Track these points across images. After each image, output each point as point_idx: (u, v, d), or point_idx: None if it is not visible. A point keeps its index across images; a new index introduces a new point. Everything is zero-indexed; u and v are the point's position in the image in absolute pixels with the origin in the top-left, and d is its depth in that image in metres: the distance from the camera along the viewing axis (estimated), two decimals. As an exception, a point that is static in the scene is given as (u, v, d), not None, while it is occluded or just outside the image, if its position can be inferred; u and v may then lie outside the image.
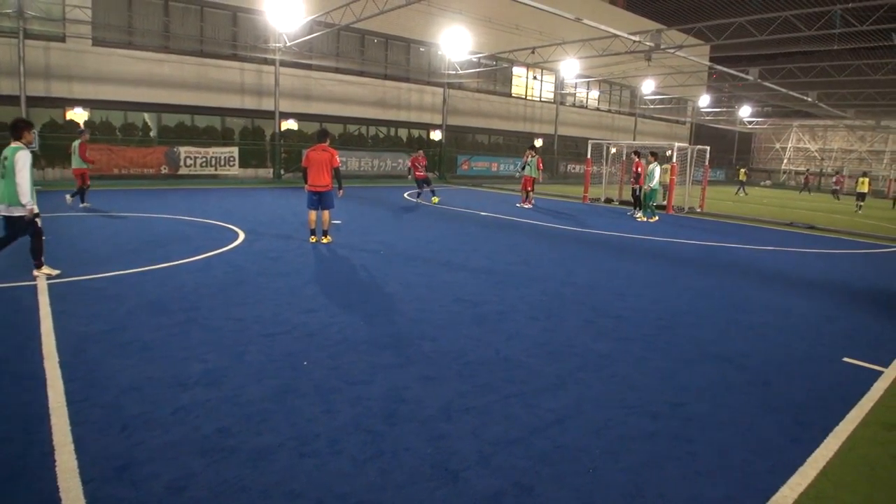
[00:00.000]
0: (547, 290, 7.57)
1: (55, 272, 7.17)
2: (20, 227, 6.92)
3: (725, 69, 29.76)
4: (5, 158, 6.84)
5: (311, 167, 9.94)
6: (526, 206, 18.11)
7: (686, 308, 7.10)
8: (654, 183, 16.28)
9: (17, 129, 7.09)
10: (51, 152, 19.92)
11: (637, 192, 17.60)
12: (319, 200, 10.05)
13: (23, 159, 6.82)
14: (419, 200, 18.03)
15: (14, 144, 6.95)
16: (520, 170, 19.13)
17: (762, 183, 50.99)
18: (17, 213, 6.84)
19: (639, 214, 16.98)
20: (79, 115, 21.55)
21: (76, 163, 13.45)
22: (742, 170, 36.71)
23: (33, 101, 19.84)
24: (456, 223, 14.09)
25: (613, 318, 6.43)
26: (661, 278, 8.81)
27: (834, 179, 35.91)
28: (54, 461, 3.15)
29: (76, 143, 13.49)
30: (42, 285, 6.64)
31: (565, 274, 8.70)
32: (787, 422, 4.11)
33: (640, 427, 3.89)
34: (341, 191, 10.28)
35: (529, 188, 18.53)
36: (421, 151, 17.69)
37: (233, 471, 3.13)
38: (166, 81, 22.99)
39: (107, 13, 21.53)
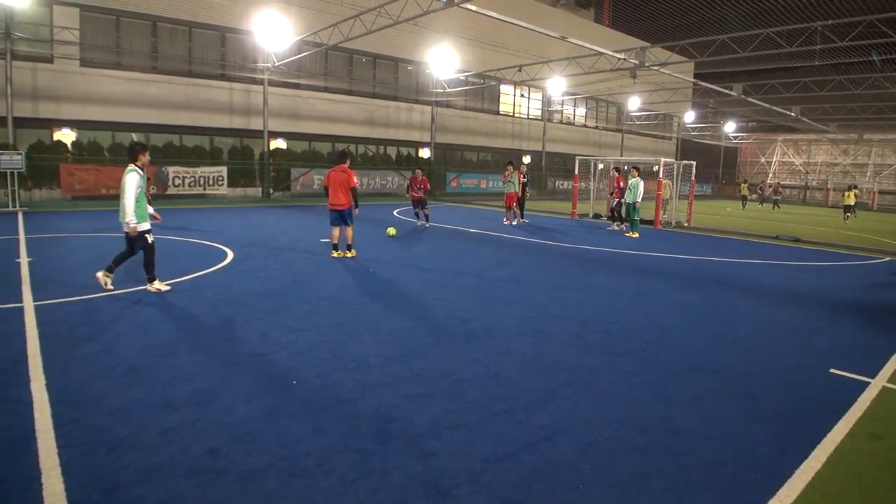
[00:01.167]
0: (535, 306, 7.60)
1: (165, 287, 7.65)
2: (131, 241, 7.48)
3: (709, 85, 30.21)
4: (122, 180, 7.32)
5: (331, 186, 10.57)
6: (514, 224, 18.00)
7: (673, 322, 7.15)
8: (639, 197, 16.46)
9: (134, 153, 7.51)
10: (38, 173, 19.84)
11: (616, 207, 17.88)
12: (341, 217, 10.65)
13: (130, 181, 7.21)
14: (421, 223, 16.88)
15: (129, 167, 7.34)
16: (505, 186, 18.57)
17: (749, 197, 51.47)
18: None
19: (614, 226, 17.31)
20: (66, 135, 21.52)
21: None
22: (744, 184, 37.25)
23: (21, 122, 19.81)
24: (445, 240, 14.13)
25: (601, 333, 6.46)
26: (648, 292, 8.86)
27: (772, 189, 36.85)
28: (41, 485, 3.12)
29: None
30: (29, 307, 6.60)
31: (553, 289, 8.74)
32: (774, 433, 4.14)
33: (629, 441, 3.90)
34: (356, 209, 10.80)
35: (515, 204, 18.34)
36: (419, 171, 16.76)
37: (222, 492, 3.11)
38: (154, 102, 23.02)
39: (95, 34, 21.59)
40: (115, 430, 3.77)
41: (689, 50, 23.96)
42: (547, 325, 6.68)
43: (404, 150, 31.94)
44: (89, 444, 3.57)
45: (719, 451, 3.84)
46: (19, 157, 17.77)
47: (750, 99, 32.83)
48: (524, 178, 19.10)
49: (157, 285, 7.65)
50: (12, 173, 17.68)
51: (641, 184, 16.57)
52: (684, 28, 36.63)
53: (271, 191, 25.44)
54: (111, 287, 7.55)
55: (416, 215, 17.17)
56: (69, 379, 4.58)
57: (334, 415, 4.10)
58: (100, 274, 7.55)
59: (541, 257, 12.01)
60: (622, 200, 17.70)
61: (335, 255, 10.75)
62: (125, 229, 7.38)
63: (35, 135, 20.76)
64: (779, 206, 35.33)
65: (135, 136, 23.24)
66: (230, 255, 10.49)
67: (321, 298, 7.61)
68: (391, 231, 14.21)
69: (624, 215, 17.20)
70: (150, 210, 7.82)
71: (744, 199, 35.87)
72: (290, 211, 20.21)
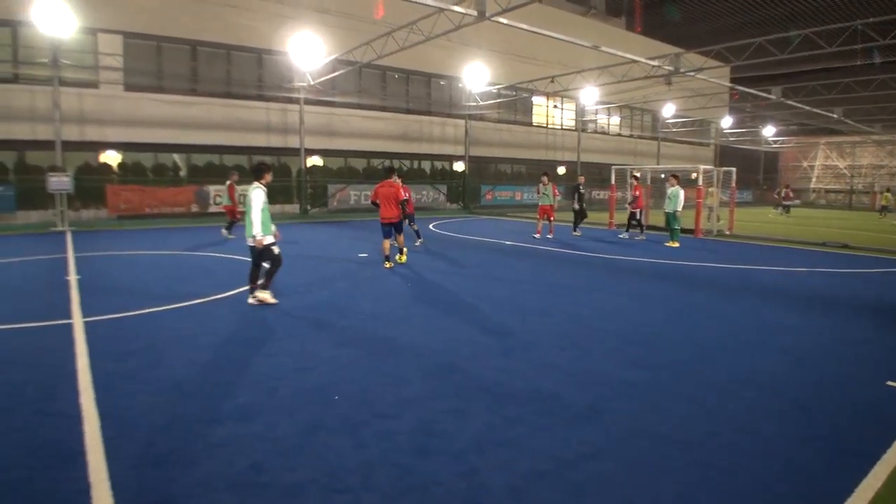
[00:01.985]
0: (574, 318, 7.50)
1: (274, 301, 8.03)
2: (258, 254, 7.94)
3: (747, 89, 29.61)
4: (247, 197, 7.89)
5: (381, 201, 10.96)
6: (549, 237, 17.39)
7: (716, 333, 6.97)
8: (680, 206, 16.20)
9: (259, 172, 7.99)
10: (85, 194, 20.52)
11: (639, 216, 17.81)
12: (393, 230, 11.11)
13: (256, 197, 7.69)
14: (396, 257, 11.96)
15: (254, 184, 7.83)
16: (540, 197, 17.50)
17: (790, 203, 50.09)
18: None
19: (625, 234, 17.49)
20: (112, 157, 22.24)
21: (226, 200, 15.45)
22: (785, 189, 35.84)
23: (68, 146, 20.51)
24: (481, 253, 14.10)
25: (642, 346, 6.33)
26: (689, 304, 8.67)
27: (783, 193, 34.64)
28: (91, 498, 3.19)
29: (227, 184, 15.34)
30: (78, 323, 6.79)
31: (591, 301, 8.62)
32: (828, 450, 3.98)
33: (675, 457, 3.80)
34: (406, 221, 11.35)
35: (552, 217, 17.44)
36: (398, 178, 12.07)
37: (265, 507, 3.13)
38: (195, 123, 23.64)
39: (137, 60, 22.31)
40: (161, 444, 3.84)
41: (724, 54, 23.55)
42: (586, 338, 6.59)
43: (438, 164, 32.09)
44: (136, 458, 3.64)
45: (770, 468, 3.70)
46: (67, 179, 18.44)
47: (789, 102, 32.08)
48: (581, 189, 18.74)
49: (266, 297, 8.01)
50: (61, 194, 18.35)
51: (682, 192, 16.29)
52: (719, 32, 36.05)
53: (308, 207, 25.80)
54: (275, 300, 8.07)
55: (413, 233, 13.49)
56: (117, 393, 4.69)
57: (375, 430, 4.10)
58: (252, 299, 7.99)
59: (578, 268, 11.88)
60: (641, 209, 17.80)
61: (388, 265, 11.05)
62: (251, 242, 7.81)
63: (82, 157, 21.52)
64: (788, 212, 33.44)
65: (176, 157, 23.91)
66: (269, 271, 10.63)
67: (359, 313, 7.65)
68: (402, 258, 11.64)
69: (665, 224, 16.86)
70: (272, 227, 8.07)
71: (781, 204, 34.41)
72: (327, 227, 20.45)
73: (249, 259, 8.14)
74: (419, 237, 14.88)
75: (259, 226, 7.65)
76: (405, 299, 8.54)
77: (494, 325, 7.10)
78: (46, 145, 20.14)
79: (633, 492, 3.36)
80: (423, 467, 3.58)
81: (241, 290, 8.94)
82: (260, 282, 8.09)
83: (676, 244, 15.95)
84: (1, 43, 19.71)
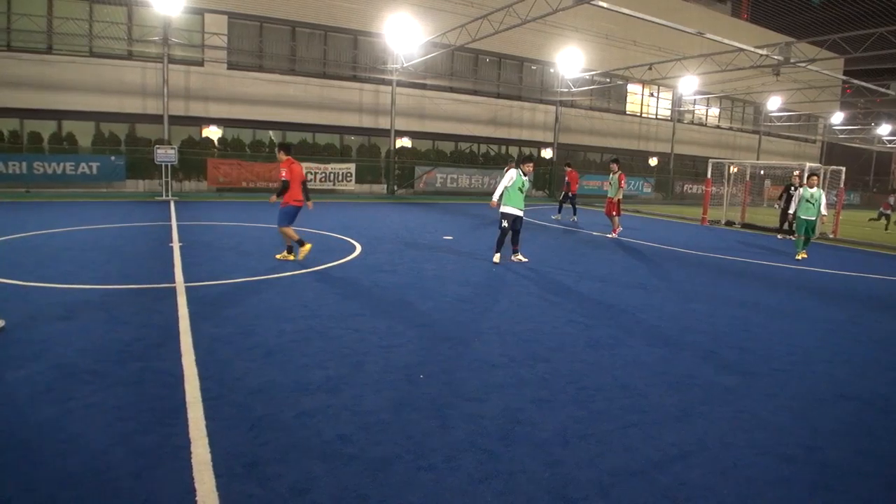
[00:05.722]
0: (664, 317, 7.24)
1: (526, 259, 10.43)
2: (521, 224, 10.30)
3: (862, 83, 27.47)
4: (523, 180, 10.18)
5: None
6: (611, 236, 15.27)
7: (818, 343, 6.53)
8: (825, 210, 13.76)
9: (518, 162, 10.30)
10: (188, 166, 21.69)
11: (572, 200, 18.31)
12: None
13: (508, 176, 10.04)
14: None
15: (511, 168, 10.26)
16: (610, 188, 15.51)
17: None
18: (521, 213, 10.16)
19: (559, 216, 17.82)
20: (213, 132, 23.36)
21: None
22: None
23: (174, 120, 21.73)
24: (566, 242, 13.86)
25: (737, 350, 6.02)
26: (789, 309, 8.17)
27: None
28: (190, 453, 3.36)
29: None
30: (180, 287, 7.19)
31: (683, 300, 8.28)
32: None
33: (772, 470, 3.59)
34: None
35: (615, 213, 15.18)
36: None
37: (352, 478, 3.20)
38: (291, 102, 24.45)
39: (240, 39, 23.27)
40: (254, 408, 4.00)
41: (840, 44, 21.92)
42: (677, 337, 6.34)
43: (527, 150, 31.78)
44: (232, 420, 3.81)
45: (877, 490, 3.42)
46: (173, 152, 19.55)
47: (911, 99, 29.56)
48: (792, 190, 16.18)
49: (521, 257, 10.44)
50: (167, 166, 19.47)
51: (823, 195, 13.60)
52: (834, 21, 33.60)
53: (395, 188, 26.20)
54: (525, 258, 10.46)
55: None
56: (214, 357, 4.93)
57: (460, 412, 4.11)
58: (514, 258, 10.35)
59: (669, 264, 11.45)
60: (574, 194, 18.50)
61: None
62: (512, 212, 10.05)
63: (186, 131, 22.74)
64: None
65: (272, 134, 24.82)
66: (358, 248, 10.88)
67: (445, 296, 7.69)
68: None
69: (805, 233, 13.48)
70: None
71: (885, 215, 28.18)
72: (413, 208, 20.69)
73: (337, 236, 8.33)
74: None
75: (497, 195, 10.04)
76: (490, 285, 8.50)
77: (580, 317, 6.95)
78: (154, 119, 21.42)
79: (727, 502, 3.20)
80: (508, 454, 3.55)
81: (330, 265, 9.20)
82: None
83: (805, 255, 13.33)
84: (117, 21, 21.03)
